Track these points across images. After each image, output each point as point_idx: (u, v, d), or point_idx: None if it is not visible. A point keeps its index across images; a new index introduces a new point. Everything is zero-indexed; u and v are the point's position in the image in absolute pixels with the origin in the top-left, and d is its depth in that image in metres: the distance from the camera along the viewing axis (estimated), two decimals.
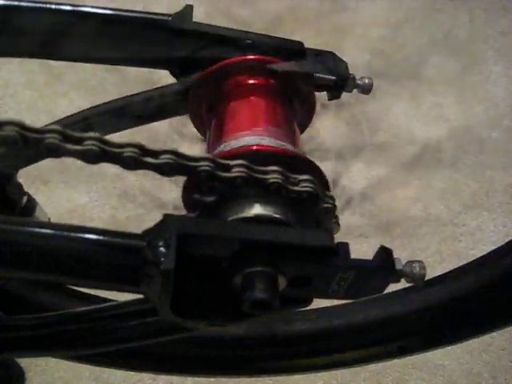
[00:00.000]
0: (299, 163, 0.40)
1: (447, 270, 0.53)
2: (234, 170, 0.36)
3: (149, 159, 0.35)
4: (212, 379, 0.82)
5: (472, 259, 0.52)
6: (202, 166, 0.36)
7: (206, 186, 0.38)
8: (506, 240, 0.51)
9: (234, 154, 0.39)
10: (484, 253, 0.52)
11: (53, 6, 0.46)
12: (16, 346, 0.45)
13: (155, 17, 0.47)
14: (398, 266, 0.38)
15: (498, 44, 1.39)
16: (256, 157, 0.38)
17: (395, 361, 0.57)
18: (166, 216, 0.35)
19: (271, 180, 0.37)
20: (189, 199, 0.40)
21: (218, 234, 0.35)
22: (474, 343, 0.93)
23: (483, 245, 1.06)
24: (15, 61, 1.29)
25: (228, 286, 0.36)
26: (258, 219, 0.37)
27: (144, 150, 0.35)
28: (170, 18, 0.47)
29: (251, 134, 0.41)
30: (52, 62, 1.21)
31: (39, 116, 1.21)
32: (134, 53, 0.49)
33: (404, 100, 1.31)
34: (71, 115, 0.50)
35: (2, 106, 1.24)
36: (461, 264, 0.53)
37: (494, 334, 0.67)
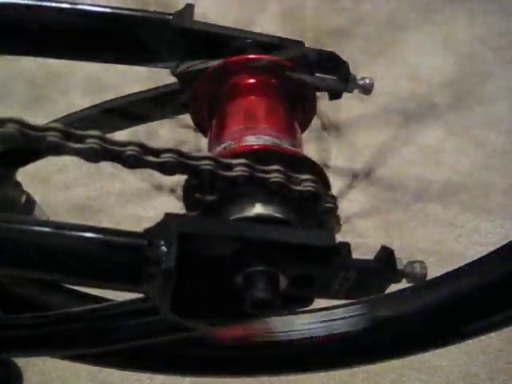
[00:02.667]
0: (300, 163, 0.40)
1: (445, 271, 0.53)
2: (235, 169, 0.36)
3: (150, 158, 0.35)
4: (210, 379, 0.82)
5: (470, 260, 0.52)
6: (203, 164, 0.36)
7: (208, 185, 0.37)
8: (505, 241, 0.51)
9: (236, 153, 0.38)
10: (482, 254, 0.52)
11: (52, 4, 0.46)
12: (15, 346, 0.45)
13: (156, 15, 0.47)
14: (400, 266, 0.38)
15: (496, 45, 1.40)
16: (257, 156, 0.38)
17: (393, 362, 0.56)
18: (167, 215, 0.35)
19: (273, 179, 0.37)
20: (190, 198, 0.40)
21: (219, 233, 0.35)
22: (471, 344, 0.93)
23: (481, 246, 1.07)
24: (13, 59, 1.29)
25: (229, 285, 0.36)
26: (259, 219, 0.37)
27: (145, 149, 0.35)
28: (170, 17, 0.47)
29: (252, 134, 0.41)
30: (51, 61, 1.20)
31: (38, 115, 1.20)
32: (135, 51, 0.49)
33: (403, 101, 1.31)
34: (71, 114, 0.50)
35: (0, 105, 1.24)
36: (459, 265, 0.53)
37: (492, 335, 0.68)
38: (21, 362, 0.87)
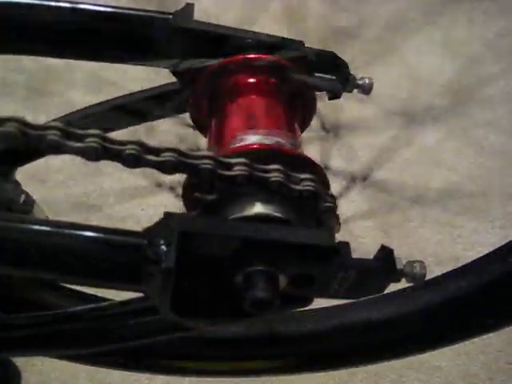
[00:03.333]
0: (300, 162, 0.40)
1: (444, 272, 0.53)
2: (235, 168, 0.36)
3: (150, 157, 0.35)
4: (210, 379, 0.82)
5: (469, 261, 0.52)
6: (203, 164, 0.36)
7: (207, 185, 0.37)
8: (504, 242, 0.51)
9: (236, 153, 0.38)
10: (481, 255, 0.52)
11: (52, 4, 0.46)
12: (15, 345, 0.44)
13: (156, 15, 0.47)
14: (399, 266, 0.38)
15: (496, 45, 1.40)
16: (257, 155, 0.38)
17: (393, 362, 0.56)
18: (166, 214, 0.35)
19: (272, 179, 0.37)
20: (189, 198, 0.40)
21: (219, 232, 0.35)
22: (471, 344, 0.93)
23: (480, 246, 1.07)
24: (13, 59, 1.29)
25: (229, 284, 0.36)
26: (259, 218, 0.37)
27: (145, 148, 0.35)
28: (170, 16, 0.47)
29: (252, 133, 0.41)
30: (50, 61, 1.20)
31: (37, 114, 1.20)
32: (134, 51, 0.49)
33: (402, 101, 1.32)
34: (71, 113, 0.50)
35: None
36: (458, 266, 0.53)
37: (491, 335, 0.68)
38: (19, 361, 0.87)
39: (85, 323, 0.42)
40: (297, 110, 0.47)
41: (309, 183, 0.37)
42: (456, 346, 0.53)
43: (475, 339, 0.52)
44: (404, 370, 0.92)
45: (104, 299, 0.49)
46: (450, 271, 0.52)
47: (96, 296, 0.51)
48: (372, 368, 0.91)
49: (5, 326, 0.44)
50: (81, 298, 0.50)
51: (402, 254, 0.40)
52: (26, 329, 0.43)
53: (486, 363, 0.93)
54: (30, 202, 0.53)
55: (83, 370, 0.89)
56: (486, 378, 0.91)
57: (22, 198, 0.52)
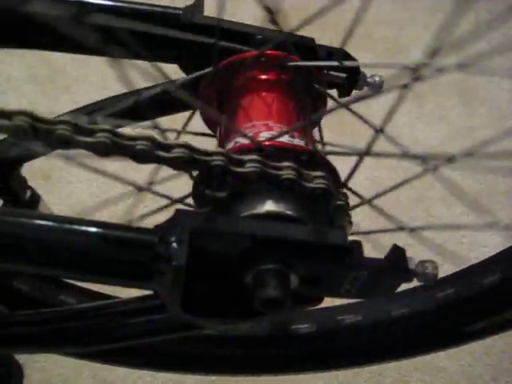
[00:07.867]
0: (312, 160, 0.39)
1: (449, 273, 0.53)
2: (247, 165, 0.36)
3: (161, 153, 0.35)
4: (212, 378, 0.82)
5: (473, 261, 0.52)
6: (214, 160, 0.35)
7: (218, 182, 0.37)
8: (508, 242, 0.51)
9: (247, 150, 0.38)
10: (485, 255, 0.52)
11: None
12: (19, 342, 0.44)
13: (165, 10, 0.47)
14: (411, 266, 0.38)
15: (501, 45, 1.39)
16: (269, 152, 0.37)
17: (396, 362, 0.56)
18: (177, 211, 0.35)
19: (284, 176, 0.36)
20: (200, 195, 0.39)
21: (230, 230, 0.35)
22: (475, 346, 0.92)
23: (484, 246, 1.06)
24: (17, 54, 1.29)
25: (239, 283, 0.36)
26: (270, 216, 0.37)
27: (156, 144, 0.35)
28: (180, 12, 0.46)
29: (263, 130, 0.40)
30: (53, 57, 1.20)
31: (40, 111, 1.20)
32: (143, 46, 0.48)
33: (406, 100, 1.31)
34: (79, 108, 0.50)
35: (3, 101, 1.23)
36: (462, 266, 0.53)
37: (496, 336, 0.67)
38: (22, 358, 0.87)
39: (92, 320, 0.42)
40: (307, 106, 0.47)
41: (321, 181, 0.37)
42: (460, 347, 0.53)
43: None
44: (408, 371, 0.91)
45: (112, 297, 0.49)
46: (456, 272, 0.52)
47: (104, 294, 0.50)
48: (375, 368, 0.91)
49: (10, 322, 0.43)
50: (88, 295, 0.50)
51: (407, 254, 0.40)
52: (32, 326, 0.43)
53: (490, 364, 0.92)
54: (35, 198, 0.53)
55: (86, 367, 0.89)
56: (490, 379, 0.91)
57: (28, 193, 0.52)
